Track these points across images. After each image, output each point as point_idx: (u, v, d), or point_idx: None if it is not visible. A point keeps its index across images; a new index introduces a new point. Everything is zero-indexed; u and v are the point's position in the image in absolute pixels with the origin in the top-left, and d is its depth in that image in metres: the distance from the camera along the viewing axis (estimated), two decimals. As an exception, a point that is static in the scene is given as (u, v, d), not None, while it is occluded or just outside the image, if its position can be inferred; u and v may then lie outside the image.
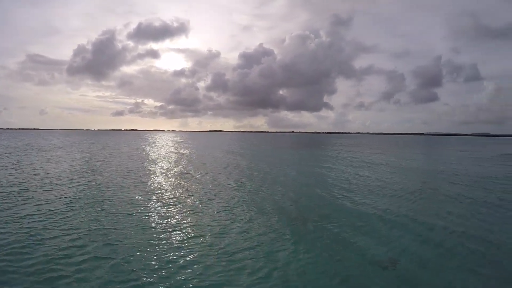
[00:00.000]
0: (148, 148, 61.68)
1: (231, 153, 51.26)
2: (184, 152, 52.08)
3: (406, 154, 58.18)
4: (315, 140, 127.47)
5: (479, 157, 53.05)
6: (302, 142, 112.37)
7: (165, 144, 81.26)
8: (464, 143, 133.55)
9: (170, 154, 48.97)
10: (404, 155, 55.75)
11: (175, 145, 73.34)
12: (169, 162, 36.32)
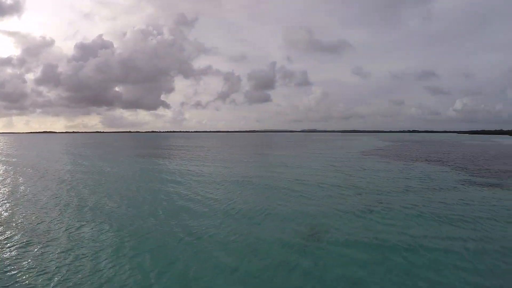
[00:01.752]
0: None
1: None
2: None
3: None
4: (154, 142, 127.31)
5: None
6: (142, 144, 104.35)
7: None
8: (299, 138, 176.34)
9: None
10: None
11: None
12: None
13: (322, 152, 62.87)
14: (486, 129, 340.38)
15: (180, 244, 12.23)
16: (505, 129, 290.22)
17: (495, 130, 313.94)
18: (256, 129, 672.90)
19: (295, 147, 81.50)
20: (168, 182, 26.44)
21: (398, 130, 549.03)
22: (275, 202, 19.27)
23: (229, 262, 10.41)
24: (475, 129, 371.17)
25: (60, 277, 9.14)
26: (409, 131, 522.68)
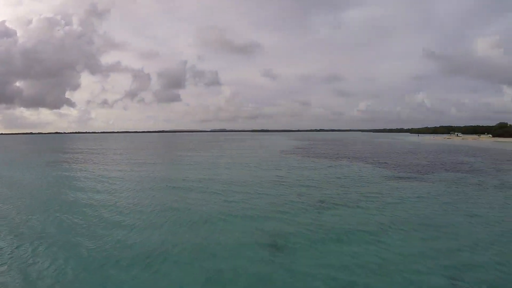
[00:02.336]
0: None
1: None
2: None
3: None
4: (61, 145, 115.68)
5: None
6: (48, 148, 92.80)
7: None
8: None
9: None
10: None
11: None
12: None
13: (246, 151, 63.08)
14: (387, 128, 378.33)
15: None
16: (404, 128, 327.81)
17: (396, 129, 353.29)
18: (165, 129, 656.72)
19: (214, 147, 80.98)
20: (85, 191, 23.32)
21: (305, 129, 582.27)
22: (218, 206, 18.32)
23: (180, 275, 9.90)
24: (378, 128, 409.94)
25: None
26: (316, 130, 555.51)
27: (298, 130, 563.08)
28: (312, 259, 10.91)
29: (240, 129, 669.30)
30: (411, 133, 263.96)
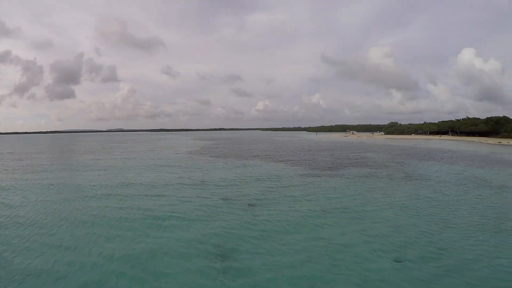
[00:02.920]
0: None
1: None
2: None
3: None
4: None
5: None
6: None
7: None
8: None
9: None
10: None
11: None
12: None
13: (153, 153, 59.86)
14: (286, 127, 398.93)
15: None
16: (302, 126, 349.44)
17: (294, 127, 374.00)
18: (59, 129, 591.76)
19: (117, 149, 74.25)
20: None
21: (205, 128, 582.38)
22: (143, 214, 16.78)
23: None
24: (277, 127, 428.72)
25: None
26: (216, 129, 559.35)
27: (198, 129, 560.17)
28: (260, 263, 11.09)
29: (138, 128, 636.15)
30: (308, 131, 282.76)
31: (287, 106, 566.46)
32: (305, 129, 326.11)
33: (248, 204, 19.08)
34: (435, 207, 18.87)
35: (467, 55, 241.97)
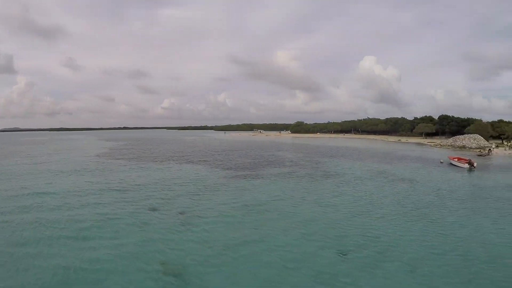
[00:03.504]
0: None
1: None
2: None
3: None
4: None
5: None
6: None
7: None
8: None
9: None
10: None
11: None
12: None
13: (59, 157, 53.20)
14: (192, 125, 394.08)
15: None
16: (209, 125, 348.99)
17: (201, 126, 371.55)
18: None
19: (18, 153, 65.78)
20: None
21: (109, 127, 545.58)
22: (64, 227, 14.92)
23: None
24: (183, 125, 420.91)
25: None
26: (120, 128, 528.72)
27: (102, 128, 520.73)
28: (215, 275, 11.06)
29: (37, 127, 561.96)
30: (215, 130, 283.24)
31: (193, 104, 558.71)
32: (212, 128, 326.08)
33: (179, 213, 18.44)
34: (359, 201, 21.26)
35: (368, 62, 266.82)
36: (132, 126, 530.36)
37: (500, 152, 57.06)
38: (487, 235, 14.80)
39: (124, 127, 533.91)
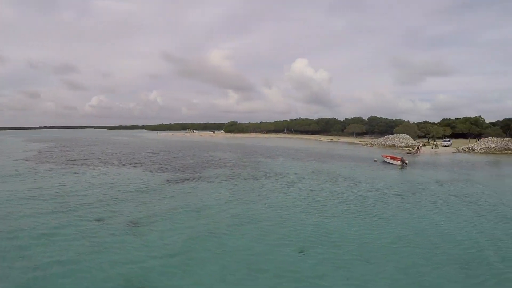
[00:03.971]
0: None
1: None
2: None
3: None
4: None
5: None
6: None
7: None
8: None
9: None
10: None
11: None
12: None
13: None
14: (122, 124, 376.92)
15: None
16: (139, 124, 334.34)
17: (131, 125, 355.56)
18: None
19: None
20: None
21: (34, 126, 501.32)
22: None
23: None
24: (113, 124, 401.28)
25: None
26: (46, 127, 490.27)
27: (27, 128, 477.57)
28: None
29: None
30: (147, 129, 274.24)
31: (123, 102, 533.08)
32: (143, 127, 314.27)
33: (129, 222, 17.08)
34: (307, 200, 22.15)
35: (300, 64, 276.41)
36: (59, 125, 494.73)
37: (427, 150, 64.03)
38: (425, 226, 16.59)
39: (50, 126, 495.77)
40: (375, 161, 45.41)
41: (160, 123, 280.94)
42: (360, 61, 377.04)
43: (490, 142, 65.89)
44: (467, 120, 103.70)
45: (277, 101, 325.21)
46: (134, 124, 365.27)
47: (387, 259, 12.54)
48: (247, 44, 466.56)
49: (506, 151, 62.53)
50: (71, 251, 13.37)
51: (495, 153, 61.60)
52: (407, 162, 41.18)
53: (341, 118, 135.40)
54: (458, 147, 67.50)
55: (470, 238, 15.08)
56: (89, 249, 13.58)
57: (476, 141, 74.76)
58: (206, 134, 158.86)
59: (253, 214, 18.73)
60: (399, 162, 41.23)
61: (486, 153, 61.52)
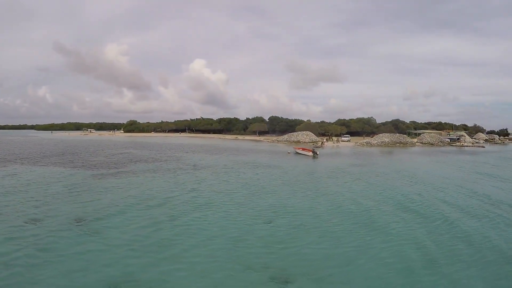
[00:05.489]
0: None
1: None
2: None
3: None
4: None
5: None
6: None
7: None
8: None
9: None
10: None
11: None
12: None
13: None
14: (8, 124, 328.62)
15: None
16: (28, 124, 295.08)
17: (19, 125, 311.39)
18: None
19: None
20: None
21: None
22: None
23: None
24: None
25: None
26: None
27: None
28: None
29: None
30: (36, 129, 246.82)
31: (8, 98, 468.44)
32: (32, 127, 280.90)
33: (75, 220, 14.58)
34: (248, 185, 23.69)
35: (198, 65, 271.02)
36: None
37: (329, 145, 76.66)
38: (350, 193, 20.88)
39: None
40: (288, 153, 50.55)
41: (51, 122, 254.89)
42: (257, 65, 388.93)
43: (385, 137, 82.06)
44: (360, 120, 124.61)
45: (173, 101, 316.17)
46: (21, 124, 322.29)
47: (332, 221, 15.07)
48: (145, 41, 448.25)
49: (398, 144, 78.85)
50: (10, 262, 10.22)
51: (389, 146, 76.92)
52: (318, 152, 46.87)
53: (243, 118, 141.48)
54: (357, 142, 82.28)
55: (377, 196, 20.87)
56: (34, 257, 10.67)
57: (371, 137, 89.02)
58: (106, 133, 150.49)
59: (208, 198, 19.17)
60: (310, 153, 46.69)
61: (382, 146, 76.69)
